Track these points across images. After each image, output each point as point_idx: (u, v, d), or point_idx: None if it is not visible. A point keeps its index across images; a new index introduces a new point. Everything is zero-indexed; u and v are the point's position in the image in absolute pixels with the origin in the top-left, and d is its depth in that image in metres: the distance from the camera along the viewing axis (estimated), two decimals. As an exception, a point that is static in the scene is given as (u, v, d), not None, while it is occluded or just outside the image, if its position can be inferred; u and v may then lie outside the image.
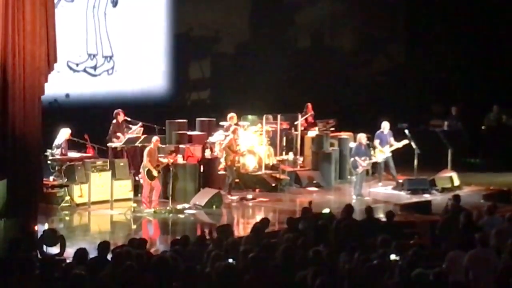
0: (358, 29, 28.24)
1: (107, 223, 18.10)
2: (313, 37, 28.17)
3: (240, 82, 26.02)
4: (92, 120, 20.91)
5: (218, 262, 9.58)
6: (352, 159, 19.96)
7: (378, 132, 20.58)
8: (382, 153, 20.34)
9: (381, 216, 16.36)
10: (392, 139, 20.49)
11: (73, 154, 19.36)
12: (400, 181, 20.59)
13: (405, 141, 20.34)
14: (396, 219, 14.78)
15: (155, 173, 18.20)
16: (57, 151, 18.90)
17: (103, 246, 11.16)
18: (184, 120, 21.42)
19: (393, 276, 9.81)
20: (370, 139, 20.53)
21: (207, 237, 13.20)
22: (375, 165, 20.85)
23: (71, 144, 19.45)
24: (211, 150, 20.35)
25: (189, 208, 18.39)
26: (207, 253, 10.85)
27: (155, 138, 18.68)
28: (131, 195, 18.98)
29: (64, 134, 19.05)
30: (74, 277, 9.10)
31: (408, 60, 28.23)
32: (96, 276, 9.73)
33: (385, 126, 20.58)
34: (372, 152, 20.14)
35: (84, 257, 10.88)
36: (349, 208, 14.26)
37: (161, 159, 18.48)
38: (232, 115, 20.83)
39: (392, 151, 20.47)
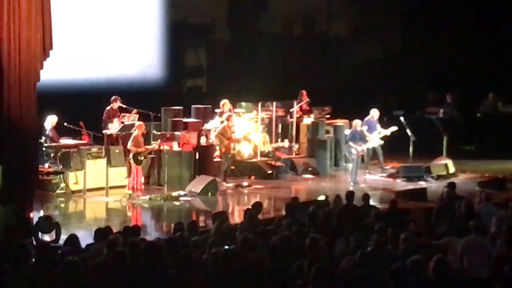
0: (354, 17, 28.20)
1: (103, 210, 18.09)
2: (308, 24, 28.11)
3: (235, 69, 25.98)
4: (87, 107, 20.84)
5: (215, 249, 9.57)
6: (347, 144, 19.99)
7: (367, 118, 20.52)
8: (370, 140, 20.22)
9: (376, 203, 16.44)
10: (378, 126, 20.45)
11: (68, 141, 19.33)
12: (387, 167, 20.65)
13: (393, 128, 20.27)
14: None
15: (141, 157, 18.20)
16: (43, 139, 18.75)
17: (102, 232, 11.09)
18: (180, 107, 21.41)
19: (388, 263, 9.81)
20: (365, 126, 20.55)
21: None
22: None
23: (66, 131, 19.42)
24: (207, 137, 20.32)
25: (185, 195, 18.40)
26: (204, 240, 10.84)
27: (137, 123, 18.63)
28: (126, 182, 18.96)
29: (49, 121, 18.92)
30: (67, 263, 9.09)
31: (403, 48, 28.21)
32: (90, 262, 9.73)
33: (374, 113, 20.55)
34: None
35: (75, 243, 10.88)
36: (338, 199, 14.38)
37: (147, 146, 18.49)
38: (224, 101, 20.75)
39: (382, 138, 20.42)
